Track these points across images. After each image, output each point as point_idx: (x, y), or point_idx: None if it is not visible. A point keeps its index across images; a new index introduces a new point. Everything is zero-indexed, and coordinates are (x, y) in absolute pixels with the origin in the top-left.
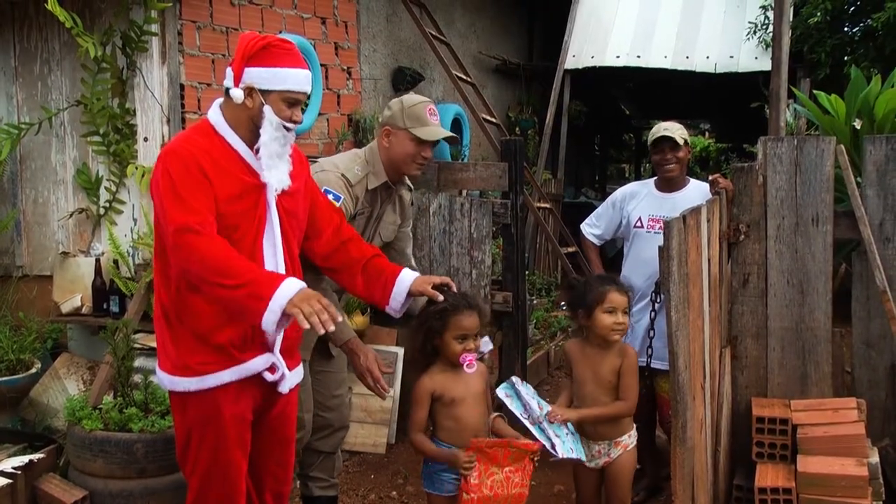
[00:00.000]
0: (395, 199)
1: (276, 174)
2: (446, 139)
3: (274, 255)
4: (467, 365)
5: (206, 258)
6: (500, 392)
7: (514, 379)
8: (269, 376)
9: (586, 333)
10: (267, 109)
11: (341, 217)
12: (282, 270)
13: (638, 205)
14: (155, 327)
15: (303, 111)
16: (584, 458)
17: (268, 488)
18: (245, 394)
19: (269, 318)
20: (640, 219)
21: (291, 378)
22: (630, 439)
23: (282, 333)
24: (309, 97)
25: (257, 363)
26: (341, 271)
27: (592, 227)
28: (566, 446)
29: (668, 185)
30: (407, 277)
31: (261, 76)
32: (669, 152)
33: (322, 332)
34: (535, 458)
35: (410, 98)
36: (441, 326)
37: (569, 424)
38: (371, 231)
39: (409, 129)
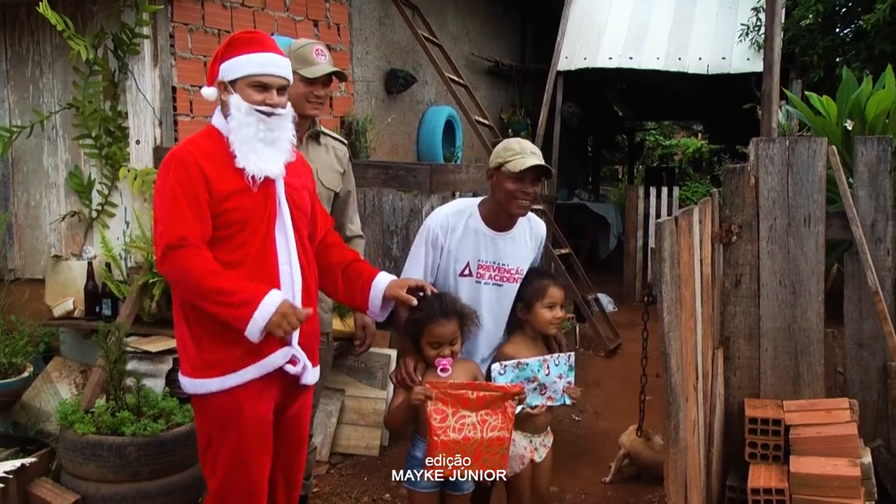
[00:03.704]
0: (323, 146)
1: (254, 160)
2: (335, 74)
3: (287, 247)
4: (441, 369)
5: (190, 270)
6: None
7: (496, 366)
8: (290, 368)
9: (524, 327)
10: (233, 97)
11: (330, 223)
12: (295, 262)
13: (462, 244)
14: (175, 331)
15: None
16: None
17: (279, 490)
18: (266, 393)
19: (253, 331)
20: (467, 264)
21: (313, 371)
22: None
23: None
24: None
25: (277, 357)
26: (322, 276)
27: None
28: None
29: (509, 222)
30: (381, 282)
31: (226, 68)
32: (533, 185)
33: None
34: (517, 400)
35: (296, 42)
36: (417, 333)
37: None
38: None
39: (296, 70)
